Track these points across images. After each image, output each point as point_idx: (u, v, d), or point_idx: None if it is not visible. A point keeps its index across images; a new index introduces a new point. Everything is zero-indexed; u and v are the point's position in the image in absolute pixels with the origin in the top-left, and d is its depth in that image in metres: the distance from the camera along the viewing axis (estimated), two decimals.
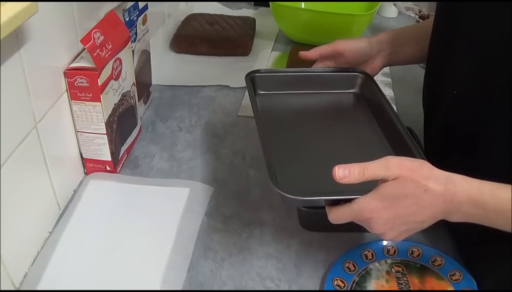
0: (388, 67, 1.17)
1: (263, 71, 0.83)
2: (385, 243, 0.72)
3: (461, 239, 0.73)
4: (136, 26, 0.90)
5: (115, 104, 0.81)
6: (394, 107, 1.03)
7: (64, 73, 0.74)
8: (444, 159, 0.59)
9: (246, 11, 1.47)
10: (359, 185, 0.55)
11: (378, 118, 0.77)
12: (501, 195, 0.53)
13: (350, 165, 0.54)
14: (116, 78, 0.80)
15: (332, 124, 0.78)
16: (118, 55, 0.79)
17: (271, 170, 0.60)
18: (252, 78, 0.81)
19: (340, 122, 0.79)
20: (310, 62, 0.87)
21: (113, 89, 0.79)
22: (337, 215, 0.57)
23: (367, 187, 0.55)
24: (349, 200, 0.56)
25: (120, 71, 0.81)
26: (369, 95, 0.81)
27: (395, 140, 0.71)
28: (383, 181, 0.55)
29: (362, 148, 0.73)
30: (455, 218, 0.55)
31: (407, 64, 0.89)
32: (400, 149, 0.68)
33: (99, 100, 0.75)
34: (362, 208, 0.55)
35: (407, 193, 0.53)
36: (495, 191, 0.53)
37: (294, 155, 0.70)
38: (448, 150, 0.72)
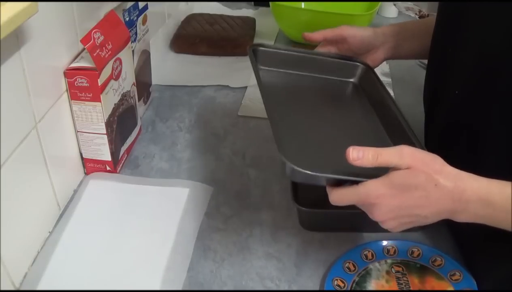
0: (388, 67, 1.18)
1: (266, 46, 0.82)
2: (384, 243, 0.72)
3: (461, 239, 0.73)
4: (136, 26, 0.90)
5: (115, 104, 0.81)
6: None
7: (64, 73, 0.74)
8: (445, 158, 0.59)
9: (246, 11, 1.47)
10: (361, 171, 0.54)
11: (377, 109, 0.76)
12: (509, 193, 0.53)
13: (364, 148, 0.54)
14: (116, 78, 0.80)
15: (329, 109, 0.78)
16: (118, 55, 0.79)
17: (280, 142, 0.58)
18: (254, 51, 0.80)
19: (337, 108, 0.79)
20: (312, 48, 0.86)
21: (113, 89, 0.79)
22: (339, 196, 0.56)
23: (368, 172, 0.54)
24: (355, 183, 0.55)
25: (120, 71, 0.81)
26: (368, 86, 0.80)
27: (393, 130, 0.71)
28: (395, 169, 0.54)
29: (360, 135, 0.72)
30: (461, 218, 0.55)
31: (409, 59, 0.89)
32: (399, 138, 0.68)
33: (99, 100, 0.75)
34: (369, 192, 0.54)
35: (417, 184, 0.53)
36: (503, 189, 0.53)
37: (294, 133, 0.69)
38: (449, 148, 0.72)
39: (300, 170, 0.55)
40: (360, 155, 0.53)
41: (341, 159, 0.56)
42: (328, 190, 0.58)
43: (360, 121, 0.76)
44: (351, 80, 0.83)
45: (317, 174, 0.56)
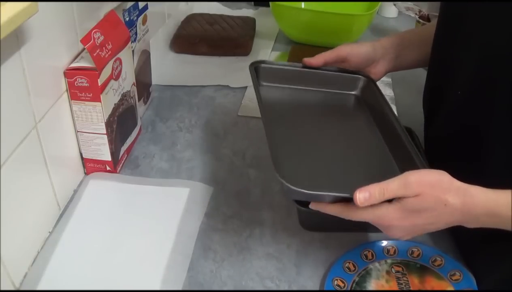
0: None
1: (267, 63, 0.82)
2: (384, 243, 0.72)
3: (461, 239, 0.73)
4: (136, 26, 0.90)
5: (115, 104, 0.81)
6: (394, 108, 1.03)
7: (64, 73, 0.74)
8: (446, 160, 0.59)
9: (246, 11, 1.47)
10: (361, 183, 0.55)
11: (378, 121, 0.77)
12: None
13: (369, 186, 0.55)
14: (116, 78, 0.80)
15: (331, 123, 0.78)
16: (118, 55, 0.79)
17: (278, 161, 0.59)
18: (256, 68, 0.80)
19: (339, 122, 0.79)
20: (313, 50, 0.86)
21: (113, 89, 0.79)
22: (355, 216, 0.58)
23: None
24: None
25: (120, 71, 0.81)
26: (370, 98, 0.81)
27: (394, 144, 0.71)
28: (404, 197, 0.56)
29: (361, 150, 0.72)
30: (471, 225, 0.57)
31: (411, 68, 0.88)
32: (400, 153, 0.68)
33: (99, 100, 0.75)
34: (383, 216, 0.56)
35: (427, 208, 0.55)
36: (510, 200, 0.54)
37: (294, 149, 0.69)
38: (450, 150, 0.72)
39: (296, 189, 0.56)
40: (367, 196, 0.54)
41: (342, 174, 0.56)
42: (339, 210, 0.58)
43: (362, 134, 0.76)
44: (353, 93, 0.84)
45: (313, 192, 0.57)
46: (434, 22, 0.75)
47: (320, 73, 0.84)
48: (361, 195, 0.54)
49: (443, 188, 0.55)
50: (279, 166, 0.59)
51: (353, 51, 0.82)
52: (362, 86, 0.83)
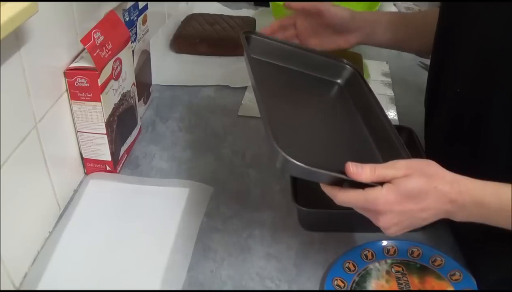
0: (388, 67, 1.17)
1: (259, 35, 0.80)
2: (384, 243, 0.72)
3: (461, 239, 0.73)
4: (136, 26, 0.90)
5: (115, 104, 0.81)
6: (394, 108, 1.03)
7: (64, 73, 0.74)
8: (446, 157, 0.59)
9: (246, 11, 1.47)
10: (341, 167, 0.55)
11: (361, 111, 0.75)
12: (502, 194, 0.54)
13: (361, 164, 0.55)
14: (116, 78, 0.80)
15: (312, 106, 0.76)
16: (118, 55, 0.79)
17: (274, 136, 0.56)
18: (247, 38, 0.78)
19: (320, 106, 0.77)
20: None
21: (113, 89, 0.79)
22: (346, 198, 0.56)
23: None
24: (354, 184, 0.55)
25: (120, 71, 0.81)
26: (353, 89, 0.79)
27: (380, 137, 0.69)
28: (395, 178, 0.55)
29: (345, 139, 0.71)
30: (458, 217, 0.56)
31: (379, 47, 0.93)
32: (385, 146, 0.67)
33: (99, 100, 0.75)
34: (377, 199, 0.54)
35: (419, 188, 0.54)
36: (497, 191, 0.54)
37: (285, 126, 0.66)
38: (450, 148, 0.72)
39: (296, 162, 0.54)
40: (359, 170, 0.54)
41: (331, 160, 0.56)
42: (331, 189, 0.58)
43: (341, 123, 0.74)
44: (337, 81, 0.81)
45: (312, 168, 0.55)
46: (425, 10, 0.76)
47: (307, 54, 0.81)
48: (354, 167, 0.55)
49: (431, 172, 0.55)
50: (276, 138, 0.56)
51: (333, 10, 0.85)
52: (347, 76, 0.80)
